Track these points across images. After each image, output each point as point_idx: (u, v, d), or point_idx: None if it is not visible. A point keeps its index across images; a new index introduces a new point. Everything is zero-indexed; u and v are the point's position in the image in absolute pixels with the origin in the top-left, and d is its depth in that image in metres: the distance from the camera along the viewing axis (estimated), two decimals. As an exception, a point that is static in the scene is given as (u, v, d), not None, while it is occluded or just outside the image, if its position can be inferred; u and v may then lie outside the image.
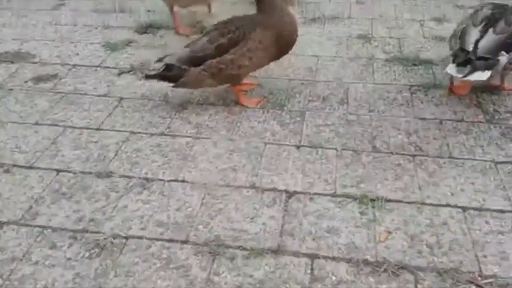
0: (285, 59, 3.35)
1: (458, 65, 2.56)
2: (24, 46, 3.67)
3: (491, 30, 2.67)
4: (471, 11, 3.05)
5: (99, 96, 3.01)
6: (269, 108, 2.85)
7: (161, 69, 2.86)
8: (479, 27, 2.70)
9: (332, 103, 2.87)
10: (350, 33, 3.76)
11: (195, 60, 2.72)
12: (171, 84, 2.82)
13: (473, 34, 2.67)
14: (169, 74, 2.80)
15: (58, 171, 2.36)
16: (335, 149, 2.48)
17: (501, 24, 2.69)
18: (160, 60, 2.84)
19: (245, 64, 2.72)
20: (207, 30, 2.84)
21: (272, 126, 2.68)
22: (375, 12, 4.13)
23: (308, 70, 3.25)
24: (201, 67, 2.71)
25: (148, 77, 2.86)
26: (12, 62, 3.43)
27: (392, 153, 2.43)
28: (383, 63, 3.30)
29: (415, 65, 3.25)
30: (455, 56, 2.64)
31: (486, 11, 2.82)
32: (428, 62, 3.27)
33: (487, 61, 2.54)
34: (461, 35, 2.74)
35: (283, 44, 2.76)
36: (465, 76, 2.52)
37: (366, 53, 3.45)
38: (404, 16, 4.05)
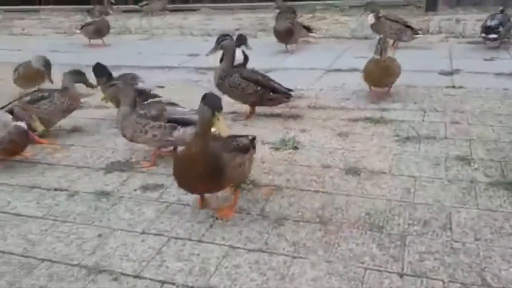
0: (380, 178, 3.37)
1: None
2: (135, 155, 4.00)
3: None
4: None
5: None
6: (367, 229, 2.82)
7: None
8: None
9: (434, 229, 2.78)
10: (447, 154, 3.72)
11: None
12: None
13: None
14: None
15: (163, 282, 2.44)
16: (442, 280, 2.36)
17: None
18: None
19: None
20: None
21: (371, 250, 2.63)
22: (473, 133, 4.08)
23: (406, 191, 3.21)
24: None
25: None
26: (123, 171, 3.74)
27: (505, 288, 2.27)
28: (486, 187, 3.20)
29: (521, 191, 3.12)
30: None
31: None
32: (536, 189, 3.13)
33: None
34: None
35: None
36: None
37: (467, 175, 3.37)
38: (503, 138, 3.96)
